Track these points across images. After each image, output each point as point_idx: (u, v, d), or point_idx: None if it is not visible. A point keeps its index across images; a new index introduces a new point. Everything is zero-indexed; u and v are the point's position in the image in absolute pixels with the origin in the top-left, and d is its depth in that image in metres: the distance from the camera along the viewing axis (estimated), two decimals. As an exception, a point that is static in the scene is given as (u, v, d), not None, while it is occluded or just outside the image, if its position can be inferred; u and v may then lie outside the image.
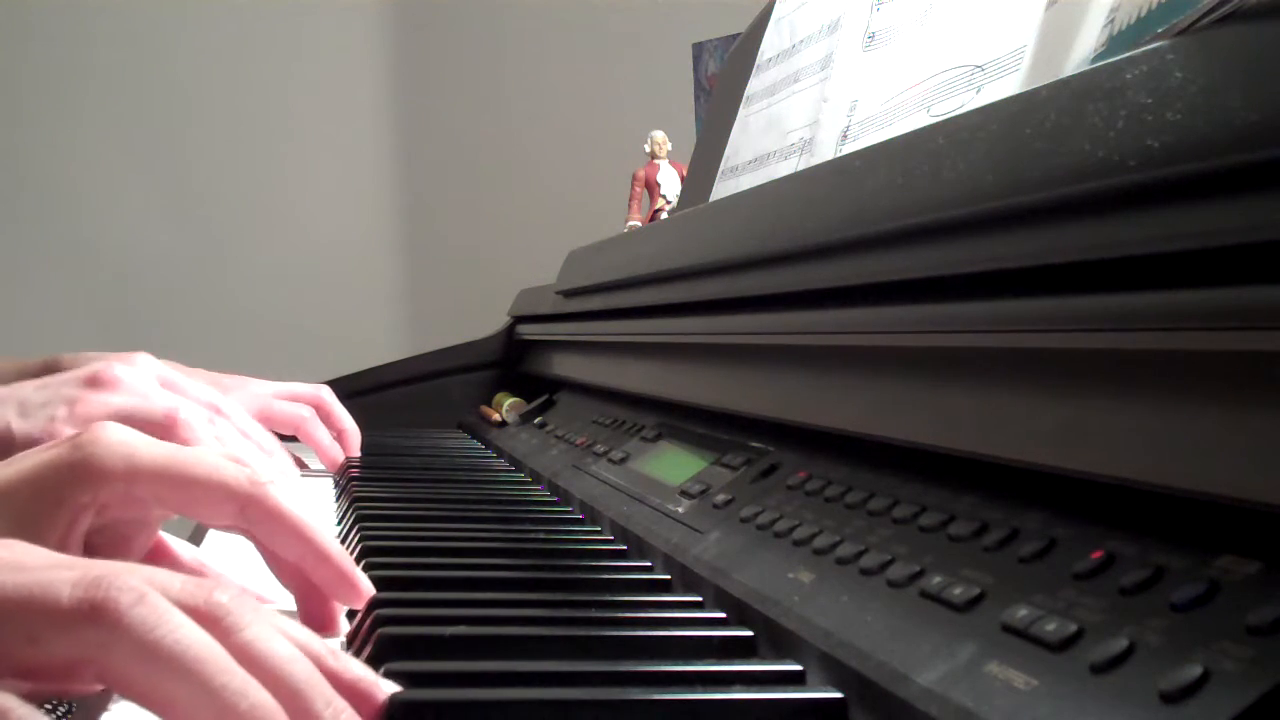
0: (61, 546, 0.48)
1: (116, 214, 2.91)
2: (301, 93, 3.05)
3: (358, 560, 0.65)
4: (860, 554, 0.51)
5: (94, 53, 2.92)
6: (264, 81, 3.02)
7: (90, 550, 0.50)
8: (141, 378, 0.78)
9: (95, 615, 0.34)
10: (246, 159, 3.00)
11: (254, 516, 0.52)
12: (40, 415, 0.73)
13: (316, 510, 0.95)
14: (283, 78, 3.03)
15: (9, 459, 0.51)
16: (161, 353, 0.87)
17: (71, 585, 0.34)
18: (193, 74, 2.98)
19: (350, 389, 1.49)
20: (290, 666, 0.36)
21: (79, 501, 0.48)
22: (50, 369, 0.94)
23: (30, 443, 0.69)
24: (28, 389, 0.75)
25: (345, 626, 0.56)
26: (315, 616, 0.54)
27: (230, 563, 0.64)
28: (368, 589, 0.54)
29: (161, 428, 0.72)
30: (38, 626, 0.34)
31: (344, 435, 1.12)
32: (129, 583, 0.34)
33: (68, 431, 0.71)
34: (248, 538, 0.54)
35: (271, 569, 0.55)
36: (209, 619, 0.36)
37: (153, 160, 2.95)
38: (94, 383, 0.76)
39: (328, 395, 0.97)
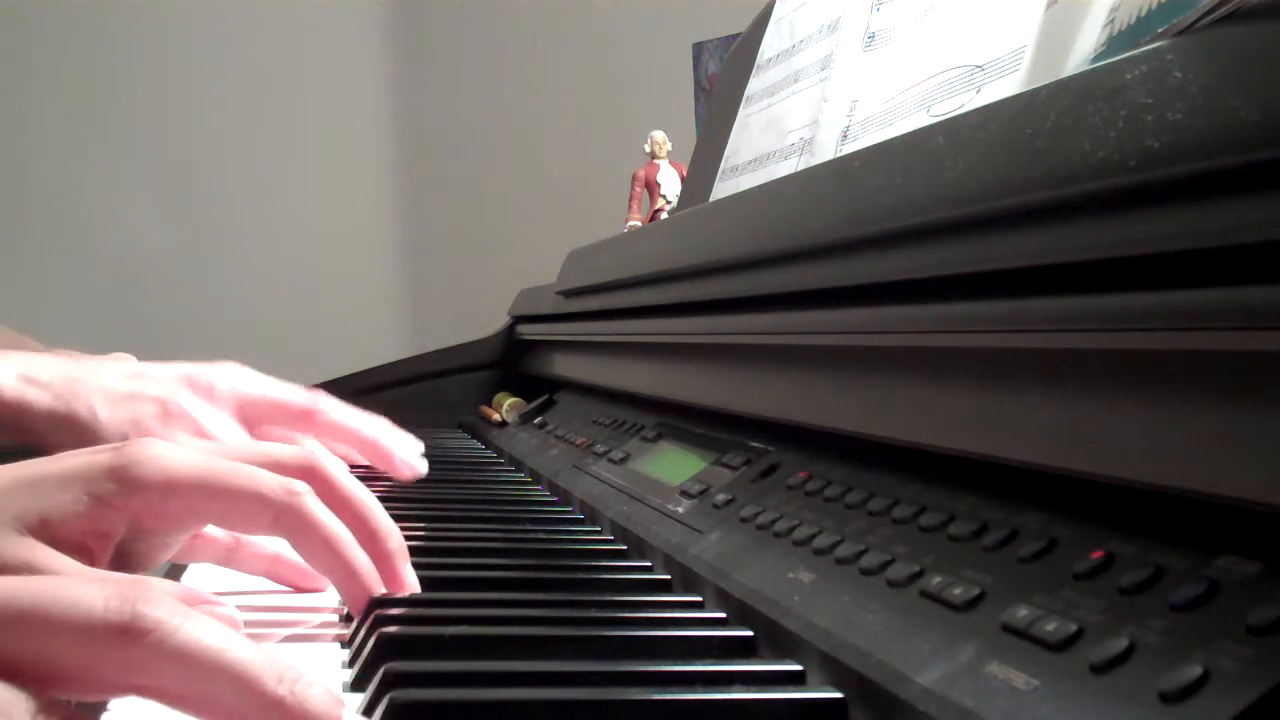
0: (80, 546, 0.47)
1: (116, 214, 2.91)
2: (302, 92, 3.05)
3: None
4: (860, 554, 0.51)
5: (94, 53, 2.92)
6: (264, 80, 3.02)
7: (117, 560, 0.50)
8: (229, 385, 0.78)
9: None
10: (246, 158, 3.00)
11: (288, 525, 0.52)
12: (125, 410, 0.71)
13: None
14: (283, 77, 3.03)
15: (63, 454, 0.49)
16: (162, 353, 0.86)
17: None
18: (192, 74, 2.98)
19: (350, 389, 1.49)
20: (232, 654, 0.35)
21: (111, 504, 0.48)
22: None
23: (118, 435, 0.69)
24: (116, 376, 0.73)
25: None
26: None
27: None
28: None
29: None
30: None
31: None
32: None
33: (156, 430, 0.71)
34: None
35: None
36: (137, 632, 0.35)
37: (153, 160, 2.95)
38: (191, 384, 0.75)
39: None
